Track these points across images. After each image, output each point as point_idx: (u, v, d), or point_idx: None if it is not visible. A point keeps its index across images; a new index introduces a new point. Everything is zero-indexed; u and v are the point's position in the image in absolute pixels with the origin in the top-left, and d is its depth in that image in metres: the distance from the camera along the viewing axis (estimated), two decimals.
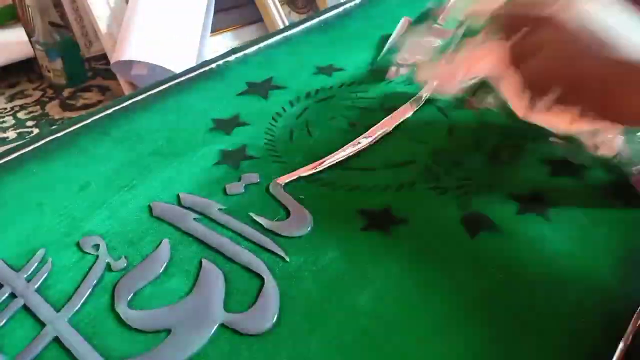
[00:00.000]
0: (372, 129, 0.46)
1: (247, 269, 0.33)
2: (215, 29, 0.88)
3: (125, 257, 0.34)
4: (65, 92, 1.19)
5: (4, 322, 0.31)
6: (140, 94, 0.51)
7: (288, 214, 0.37)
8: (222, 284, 0.32)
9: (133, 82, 0.97)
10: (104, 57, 0.95)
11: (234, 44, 1.00)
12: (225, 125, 0.48)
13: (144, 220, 0.38)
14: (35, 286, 0.33)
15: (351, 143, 0.45)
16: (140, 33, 0.82)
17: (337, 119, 0.48)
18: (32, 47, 0.92)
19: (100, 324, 0.30)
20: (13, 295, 0.32)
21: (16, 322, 0.31)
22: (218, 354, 0.28)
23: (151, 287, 0.32)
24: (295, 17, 0.99)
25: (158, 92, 0.52)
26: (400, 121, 0.47)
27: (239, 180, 0.41)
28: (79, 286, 0.33)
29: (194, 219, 0.37)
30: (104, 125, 0.47)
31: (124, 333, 0.30)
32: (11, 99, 0.94)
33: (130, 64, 0.84)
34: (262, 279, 0.32)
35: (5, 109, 0.89)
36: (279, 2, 0.85)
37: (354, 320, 0.30)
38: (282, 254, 0.34)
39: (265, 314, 0.30)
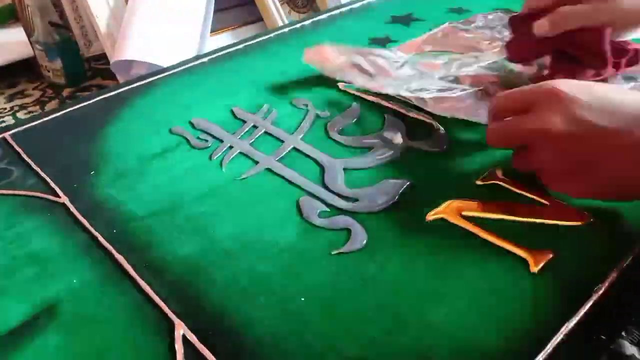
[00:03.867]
0: None
1: None
2: (215, 29, 0.88)
3: (328, 110, 0.53)
4: (65, 92, 1.18)
5: (253, 140, 0.49)
6: (315, 16, 0.74)
7: None
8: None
9: None
10: (103, 57, 0.94)
11: None
12: (379, 42, 0.66)
13: (334, 93, 0.56)
14: (270, 121, 0.52)
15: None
16: (140, 33, 0.82)
17: None
18: (32, 46, 0.91)
19: (321, 144, 0.48)
20: (254, 127, 0.51)
21: (261, 141, 0.49)
22: None
23: (351, 127, 0.50)
24: (295, 16, 0.99)
25: (327, 17, 0.74)
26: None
27: None
28: (300, 123, 0.51)
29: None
30: (285, 38, 0.69)
31: (337, 147, 0.48)
32: (11, 98, 0.93)
33: (129, 63, 0.83)
34: None
35: (5, 108, 0.89)
36: (279, 1, 0.84)
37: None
38: None
39: None
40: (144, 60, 0.82)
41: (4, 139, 0.52)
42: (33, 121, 0.54)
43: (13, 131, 0.53)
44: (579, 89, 0.36)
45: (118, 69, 0.81)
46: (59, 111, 0.56)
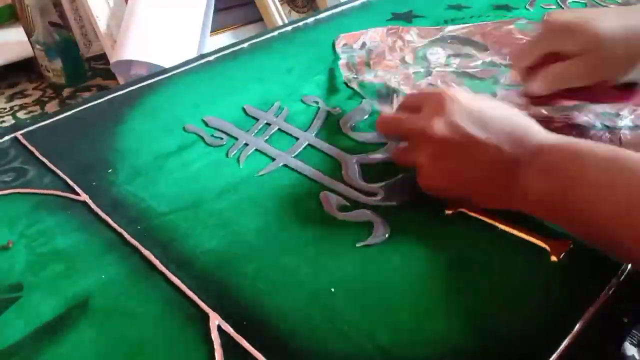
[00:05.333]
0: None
1: None
2: (215, 29, 0.88)
3: (338, 107, 0.54)
4: (65, 92, 1.17)
5: (268, 137, 0.50)
6: (317, 14, 0.75)
7: None
8: None
9: None
10: (103, 57, 0.94)
11: None
12: None
13: (343, 89, 0.57)
14: (283, 118, 0.52)
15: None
16: (140, 33, 0.82)
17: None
18: (32, 46, 0.91)
19: (335, 141, 0.49)
20: (267, 124, 0.51)
21: (275, 138, 0.50)
22: None
23: (366, 122, 0.52)
24: (295, 16, 1.00)
25: (329, 14, 0.75)
26: None
27: None
28: (313, 121, 0.52)
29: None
30: (288, 36, 0.69)
31: (349, 140, 0.49)
32: (11, 98, 0.93)
33: (129, 63, 0.83)
34: None
35: (5, 108, 0.88)
36: (279, 1, 0.85)
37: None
38: None
39: None
40: (144, 60, 0.82)
41: (16, 138, 0.52)
42: (43, 120, 0.54)
43: (24, 130, 0.53)
44: (465, 99, 0.39)
45: (118, 69, 0.81)
46: (68, 110, 0.56)
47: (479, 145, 0.37)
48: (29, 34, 0.91)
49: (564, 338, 0.31)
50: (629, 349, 0.30)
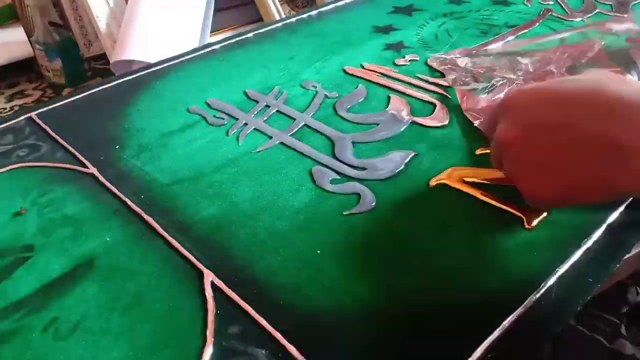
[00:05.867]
0: (509, 31, 0.67)
1: None
2: (215, 29, 0.89)
3: (335, 91, 0.56)
4: (65, 92, 1.19)
5: (266, 118, 0.52)
6: (330, 4, 0.78)
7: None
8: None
9: None
10: (103, 57, 0.96)
11: None
12: (383, 30, 0.70)
13: (341, 76, 0.59)
14: (282, 101, 0.55)
15: (499, 36, 0.66)
16: (140, 33, 0.83)
17: (471, 29, 0.69)
18: (32, 46, 0.92)
19: (330, 121, 0.51)
20: (267, 106, 0.54)
21: (274, 119, 0.52)
22: None
23: (358, 105, 0.54)
24: None
25: (332, 7, 0.77)
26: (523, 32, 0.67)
27: (404, 57, 0.62)
28: (310, 103, 0.54)
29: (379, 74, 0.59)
30: (292, 27, 0.72)
31: (345, 124, 0.51)
32: (10, 98, 0.95)
33: (129, 63, 0.84)
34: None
35: (5, 108, 0.90)
36: (279, 1, 0.87)
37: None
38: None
39: None
40: (144, 61, 0.83)
41: (31, 118, 0.55)
42: (57, 102, 0.57)
43: (39, 111, 0.56)
44: (528, 90, 0.35)
45: (118, 69, 0.82)
46: (79, 93, 0.59)
47: (556, 131, 0.32)
48: (28, 34, 0.93)
49: (529, 295, 0.33)
50: (629, 348, 0.31)
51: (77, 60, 0.95)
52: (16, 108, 1.02)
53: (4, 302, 0.35)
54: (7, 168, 0.47)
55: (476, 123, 0.48)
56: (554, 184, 0.33)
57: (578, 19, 0.72)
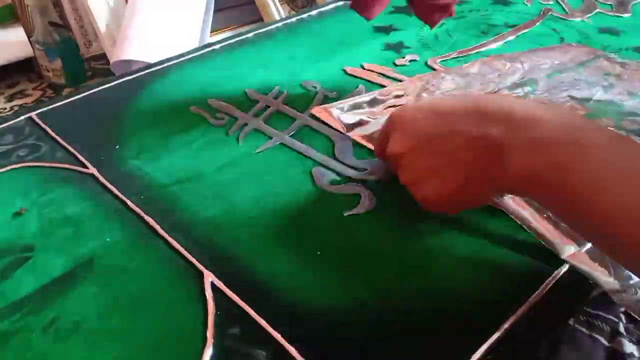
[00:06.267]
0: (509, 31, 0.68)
1: None
2: (215, 29, 0.90)
3: (336, 91, 0.56)
4: (65, 92, 1.20)
5: (266, 118, 0.52)
6: (330, 4, 0.78)
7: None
8: None
9: None
10: (103, 57, 0.96)
11: None
12: (383, 30, 0.70)
13: (341, 76, 0.60)
14: (282, 101, 0.55)
15: (499, 36, 0.66)
16: (140, 33, 0.83)
17: (471, 29, 0.70)
18: (32, 46, 0.93)
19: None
20: (267, 106, 0.54)
21: (274, 119, 0.53)
22: None
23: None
24: None
25: (333, 7, 0.78)
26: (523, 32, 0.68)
27: (404, 57, 0.62)
28: (310, 102, 0.55)
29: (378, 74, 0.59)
30: (292, 27, 0.72)
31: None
32: (10, 98, 0.95)
33: (129, 63, 0.85)
34: None
35: (5, 108, 0.90)
36: (279, 1, 0.87)
37: None
38: None
39: None
40: (144, 61, 0.84)
41: (31, 118, 0.55)
42: (57, 102, 0.57)
43: (39, 111, 0.56)
44: (411, 107, 0.38)
45: (118, 69, 0.83)
46: (79, 93, 0.59)
47: (441, 138, 0.34)
48: (28, 34, 0.94)
49: (529, 296, 0.33)
50: (628, 347, 0.31)
51: (77, 60, 0.96)
52: (16, 108, 1.02)
53: (3, 302, 0.35)
54: (7, 168, 0.47)
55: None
56: (445, 187, 0.35)
57: (578, 19, 0.72)
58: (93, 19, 0.85)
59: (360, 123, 0.51)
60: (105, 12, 0.87)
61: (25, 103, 1.04)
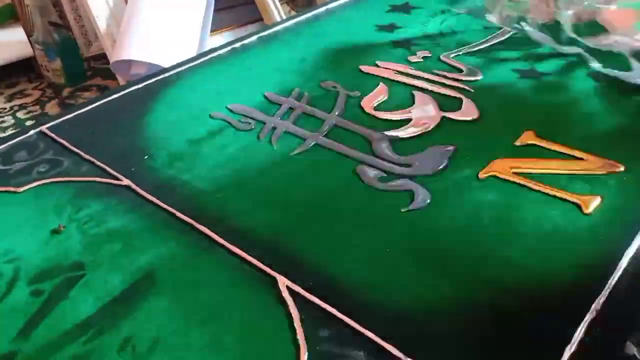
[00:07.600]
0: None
1: None
2: (215, 29, 0.89)
3: (357, 90, 0.56)
4: (65, 92, 1.15)
5: (294, 120, 0.52)
6: (323, 5, 0.77)
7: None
8: None
9: None
10: (103, 57, 0.94)
11: None
12: (387, 28, 0.70)
13: (357, 75, 0.59)
14: (305, 102, 0.55)
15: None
16: (140, 32, 0.82)
17: (473, 24, 0.70)
18: (32, 46, 0.90)
19: (361, 120, 0.51)
20: (291, 109, 0.54)
21: (301, 121, 0.52)
22: None
23: (385, 102, 0.54)
24: None
25: (337, 5, 0.77)
26: None
27: (416, 54, 0.63)
28: (335, 102, 0.54)
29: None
30: (293, 29, 0.71)
31: (374, 119, 0.52)
32: (10, 98, 0.92)
33: (129, 63, 0.84)
34: None
35: (5, 108, 0.87)
36: (279, 1, 0.87)
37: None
38: None
39: None
40: (144, 60, 0.82)
41: (42, 132, 0.52)
42: (68, 114, 0.55)
43: (50, 124, 0.53)
44: None
45: (118, 69, 0.81)
46: (90, 104, 0.57)
47: None
48: (28, 34, 0.90)
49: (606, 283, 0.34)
50: (630, 349, 0.31)
51: (77, 60, 0.93)
52: (16, 108, 0.99)
53: (66, 324, 0.33)
54: (32, 185, 0.45)
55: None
56: None
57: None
58: (93, 18, 0.83)
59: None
60: (105, 12, 0.85)
61: (25, 103, 1.01)
